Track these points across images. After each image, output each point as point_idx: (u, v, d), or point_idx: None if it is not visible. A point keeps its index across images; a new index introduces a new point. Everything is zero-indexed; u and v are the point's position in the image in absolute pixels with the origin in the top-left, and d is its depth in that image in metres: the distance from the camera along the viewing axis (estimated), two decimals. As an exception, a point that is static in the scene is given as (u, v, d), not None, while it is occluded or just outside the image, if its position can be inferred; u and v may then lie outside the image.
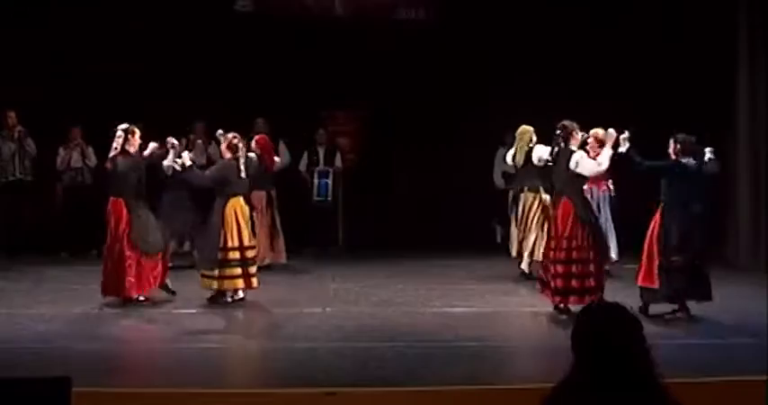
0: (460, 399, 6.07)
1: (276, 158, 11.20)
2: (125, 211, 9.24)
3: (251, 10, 13.62)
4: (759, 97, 11.80)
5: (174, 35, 12.89)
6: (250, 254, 9.34)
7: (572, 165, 8.73)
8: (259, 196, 11.10)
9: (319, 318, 8.87)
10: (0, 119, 12.57)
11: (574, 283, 8.64)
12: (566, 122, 8.90)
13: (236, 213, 9.27)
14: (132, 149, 9.41)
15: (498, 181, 12.63)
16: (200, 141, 12.23)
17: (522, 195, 10.71)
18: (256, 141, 10.88)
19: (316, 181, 13.07)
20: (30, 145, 12.50)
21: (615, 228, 10.67)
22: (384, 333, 8.17)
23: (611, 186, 10.77)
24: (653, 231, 8.76)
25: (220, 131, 10.01)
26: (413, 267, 11.62)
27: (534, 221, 10.54)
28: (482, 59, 13.09)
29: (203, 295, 9.49)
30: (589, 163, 8.80)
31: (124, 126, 9.42)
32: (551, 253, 8.81)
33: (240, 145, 9.55)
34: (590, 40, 12.85)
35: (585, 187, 9.78)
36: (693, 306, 8.83)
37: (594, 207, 10.23)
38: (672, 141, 8.81)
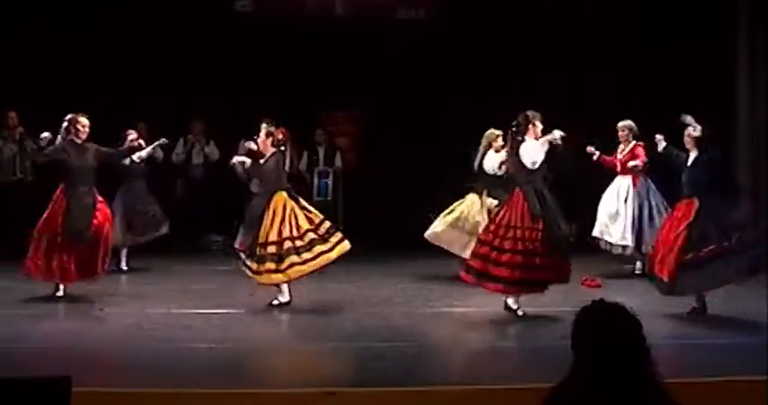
0: (460, 399, 6.06)
1: None
2: (64, 198, 9.29)
3: (251, 10, 13.64)
4: (759, 97, 11.82)
5: (173, 35, 12.89)
6: (298, 242, 9.09)
7: (521, 155, 8.68)
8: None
9: (319, 318, 8.86)
10: (1, 119, 12.57)
11: (518, 273, 8.54)
12: (528, 112, 8.79)
13: (284, 207, 9.17)
14: (78, 139, 9.44)
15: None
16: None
17: (468, 195, 10.69)
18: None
19: (315, 181, 13.08)
20: (30, 146, 12.49)
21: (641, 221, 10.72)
22: (384, 333, 8.16)
23: (648, 182, 10.79)
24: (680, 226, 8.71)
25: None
26: (413, 267, 11.61)
27: (471, 224, 10.49)
28: (482, 59, 13.10)
29: (203, 295, 9.49)
30: (529, 156, 8.65)
31: (69, 116, 9.44)
32: (496, 240, 8.64)
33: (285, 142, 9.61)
34: (590, 40, 12.85)
35: (625, 180, 10.58)
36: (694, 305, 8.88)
37: (631, 201, 10.55)
38: (697, 133, 8.87)
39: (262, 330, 8.78)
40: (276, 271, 9.04)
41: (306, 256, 9.04)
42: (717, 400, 5.74)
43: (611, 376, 2.97)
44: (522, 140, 8.75)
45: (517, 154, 8.74)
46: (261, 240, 9.07)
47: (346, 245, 9.24)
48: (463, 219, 10.52)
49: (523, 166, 8.70)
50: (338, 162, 13.37)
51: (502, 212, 8.78)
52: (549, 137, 8.72)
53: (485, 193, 10.48)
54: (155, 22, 12.82)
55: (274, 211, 9.12)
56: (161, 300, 9.51)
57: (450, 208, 10.71)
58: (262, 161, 9.38)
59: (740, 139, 11.93)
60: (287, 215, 9.13)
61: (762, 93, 11.79)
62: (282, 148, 9.52)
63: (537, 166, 8.67)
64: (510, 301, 8.81)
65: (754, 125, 11.87)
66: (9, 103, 12.41)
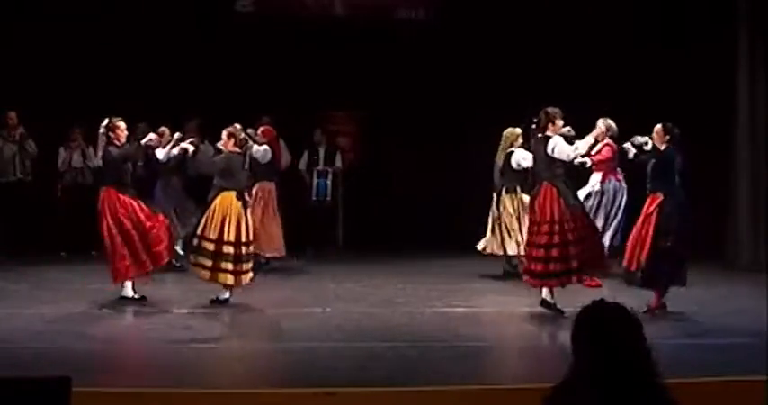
0: (460, 399, 6.06)
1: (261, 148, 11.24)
2: (119, 197, 9.24)
3: (251, 10, 13.64)
4: (759, 97, 11.82)
5: (174, 35, 12.90)
6: (244, 250, 9.20)
7: (549, 150, 8.78)
8: (269, 187, 11.19)
9: (319, 318, 8.86)
10: (1, 119, 12.58)
11: (552, 266, 8.69)
12: (548, 109, 8.91)
13: (229, 208, 9.19)
14: (118, 143, 9.41)
15: (498, 181, 12.63)
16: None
17: (501, 197, 10.77)
18: (263, 133, 11.06)
19: (314, 181, 13.09)
20: (31, 146, 12.51)
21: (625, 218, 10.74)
22: (384, 333, 8.16)
23: (616, 181, 10.82)
24: (650, 218, 8.84)
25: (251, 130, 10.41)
26: (413, 267, 11.61)
27: (511, 223, 10.59)
28: (482, 59, 13.10)
29: (203, 295, 9.48)
30: (566, 147, 8.83)
31: (105, 122, 9.42)
32: (530, 237, 8.94)
33: (248, 142, 9.68)
34: (590, 40, 12.85)
35: (598, 176, 10.48)
36: (693, 305, 8.89)
37: (610, 196, 10.55)
38: (663, 130, 8.97)
39: (262, 330, 8.79)
40: (206, 268, 9.09)
41: (237, 267, 9.12)
42: (717, 400, 5.74)
43: (611, 376, 2.97)
44: (547, 137, 8.83)
45: (545, 150, 8.80)
46: (199, 233, 9.15)
47: (245, 279, 9.22)
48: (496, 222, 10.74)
49: (553, 160, 8.78)
50: (338, 162, 13.37)
51: (537, 210, 8.84)
52: (595, 132, 9.30)
53: (518, 189, 10.61)
54: (155, 22, 12.81)
55: (216, 210, 9.15)
56: (161, 300, 9.51)
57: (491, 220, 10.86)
58: (217, 159, 9.51)
59: (740, 139, 11.92)
60: (231, 218, 9.15)
61: (762, 93, 11.79)
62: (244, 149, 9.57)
63: (575, 157, 8.98)
64: (546, 297, 8.83)
65: (754, 125, 11.87)
66: (9, 103, 12.41)
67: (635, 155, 9.38)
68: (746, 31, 11.88)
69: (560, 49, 12.89)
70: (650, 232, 8.84)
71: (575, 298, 8.48)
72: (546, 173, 8.83)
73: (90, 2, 12.75)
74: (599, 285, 10.10)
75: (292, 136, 12.60)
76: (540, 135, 8.90)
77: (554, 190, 8.75)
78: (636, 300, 8.35)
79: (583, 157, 9.57)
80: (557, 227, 8.69)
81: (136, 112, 12.14)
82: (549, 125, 8.85)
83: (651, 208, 8.91)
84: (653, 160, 9.02)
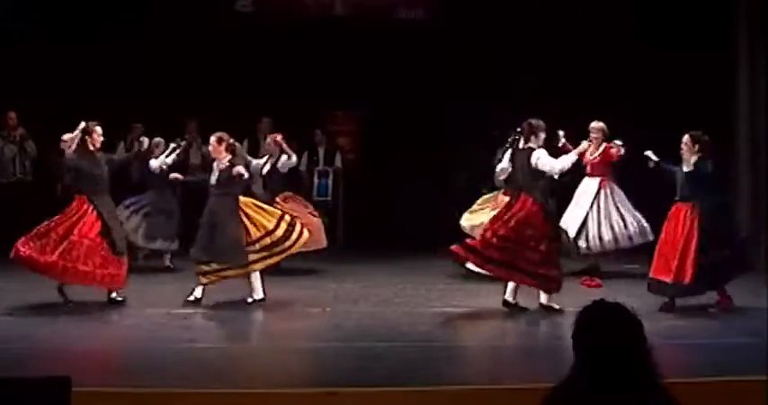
0: (460, 399, 6.06)
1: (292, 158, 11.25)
2: (90, 207, 9.20)
3: (251, 10, 13.65)
4: (759, 97, 11.82)
5: (174, 35, 12.90)
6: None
7: (533, 162, 8.81)
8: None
9: (319, 318, 8.87)
10: (1, 120, 12.58)
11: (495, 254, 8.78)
12: (532, 120, 8.91)
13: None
14: (92, 147, 9.33)
15: (499, 182, 12.62)
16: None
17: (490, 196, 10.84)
18: (274, 141, 11.02)
19: (315, 181, 13.10)
20: (30, 146, 12.52)
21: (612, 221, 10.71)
22: (384, 333, 8.16)
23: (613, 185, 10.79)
24: (685, 229, 8.79)
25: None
26: (413, 267, 11.61)
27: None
28: (481, 59, 13.10)
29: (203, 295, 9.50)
30: (549, 160, 8.83)
31: (82, 125, 9.33)
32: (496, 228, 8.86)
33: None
34: (588, 40, 12.85)
35: (595, 181, 10.52)
36: (693, 305, 8.90)
37: (590, 199, 10.56)
38: (691, 140, 8.97)
39: (262, 330, 8.79)
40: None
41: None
42: (717, 400, 5.74)
43: (612, 376, 2.97)
44: (530, 149, 8.84)
45: (528, 161, 8.82)
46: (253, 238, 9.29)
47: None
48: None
49: (535, 172, 8.80)
50: (338, 162, 13.38)
51: (513, 211, 8.83)
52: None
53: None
54: (155, 23, 12.82)
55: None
56: (161, 300, 9.51)
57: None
58: (222, 167, 9.57)
59: (740, 139, 11.93)
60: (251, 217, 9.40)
61: (762, 93, 11.79)
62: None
63: (558, 171, 8.91)
64: (508, 297, 8.89)
65: (754, 125, 11.88)
66: (9, 103, 12.41)
67: (656, 163, 9.22)
68: (746, 32, 11.88)
69: (561, 49, 12.89)
70: (695, 242, 8.76)
71: (575, 298, 8.51)
72: (526, 183, 8.88)
73: (90, 2, 12.76)
74: (599, 286, 10.11)
75: (292, 136, 12.60)
76: (521, 146, 8.92)
77: (531, 200, 8.77)
78: (636, 300, 8.35)
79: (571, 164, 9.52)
80: (525, 229, 8.74)
81: (135, 112, 12.20)
82: (532, 137, 8.86)
83: (686, 219, 8.83)
84: (685, 172, 8.93)
